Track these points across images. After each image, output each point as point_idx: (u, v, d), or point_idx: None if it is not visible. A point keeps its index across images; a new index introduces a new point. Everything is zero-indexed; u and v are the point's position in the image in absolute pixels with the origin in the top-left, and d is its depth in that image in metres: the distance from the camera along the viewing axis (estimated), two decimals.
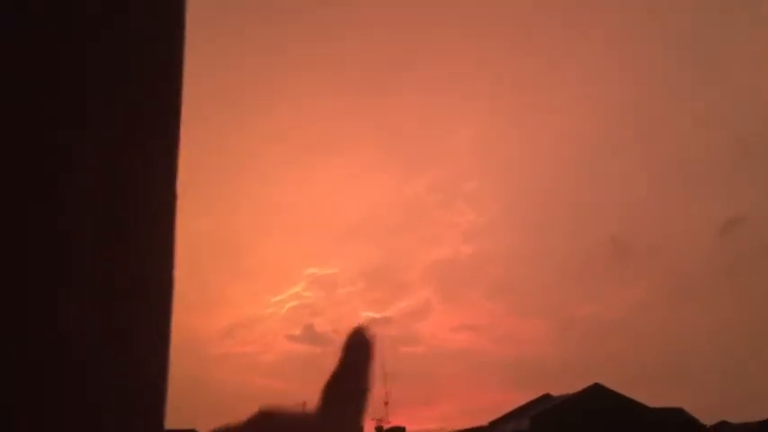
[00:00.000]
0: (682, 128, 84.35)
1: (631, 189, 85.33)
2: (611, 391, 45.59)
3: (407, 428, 58.49)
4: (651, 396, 48.80)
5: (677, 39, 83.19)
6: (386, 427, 56.90)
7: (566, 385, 50.98)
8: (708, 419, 51.09)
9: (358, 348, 0.62)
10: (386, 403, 57.41)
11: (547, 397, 51.69)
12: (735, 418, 53.63)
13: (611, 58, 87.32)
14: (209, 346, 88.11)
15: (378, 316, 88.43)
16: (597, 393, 45.39)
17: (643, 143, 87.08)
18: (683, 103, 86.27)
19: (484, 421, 54.86)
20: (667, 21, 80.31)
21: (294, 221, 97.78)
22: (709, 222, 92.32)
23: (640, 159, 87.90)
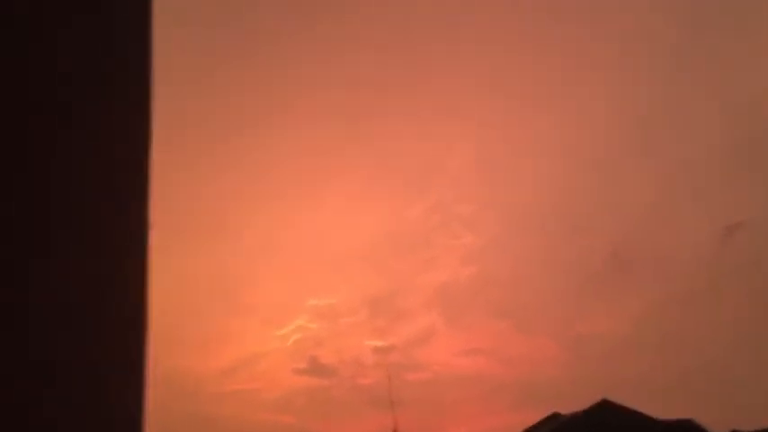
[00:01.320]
0: (681, 132, 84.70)
1: (631, 200, 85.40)
2: (620, 406, 45.22)
3: None
4: (661, 409, 48.43)
5: (677, 43, 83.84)
6: None
7: (575, 403, 50.53)
8: (719, 429, 50.70)
9: None
10: (395, 431, 56.93)
11: (556, 416, 51.26)
12: (746, 426, 53.20)
13: (608, 69, 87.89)
14: (212, 386, 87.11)
15: (381, 344, 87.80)
16: (605, 409, 45.01)
17: (642, 153, 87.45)
18: (682, 110, 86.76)
19: None
20: (665, 25, 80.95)
21: (291, 254, 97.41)
22: (711, 229, 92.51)
23: (639, 169, 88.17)
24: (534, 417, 53.89)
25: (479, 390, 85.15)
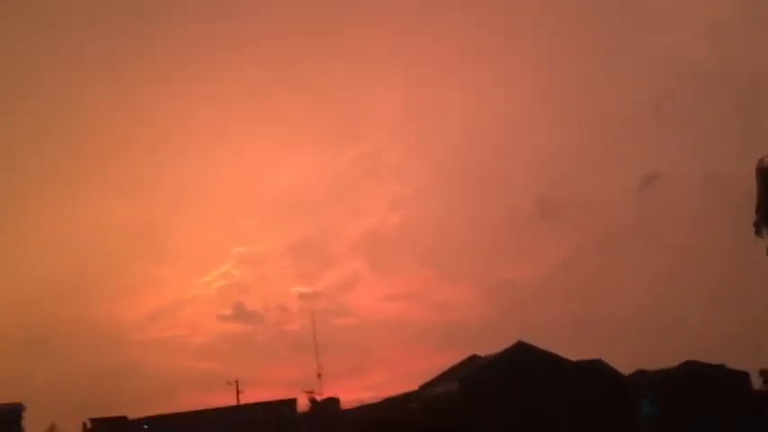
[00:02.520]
0: (600, 88, 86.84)
1: (554, 150, 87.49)
2: (534, 347, 47.26)
3: (341, 399, 59.35)
4: (573, 350, 50.93)
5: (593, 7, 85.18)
6: (319, 398, 57.39)
7: (495, 346, 52.61)
8: (625, 369, 53.83)
9: None
10: (319, 375, 57.73)
11: (474, 358, 53.26)
12: (650, 365, 56.64)
13: (532, 20, 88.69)
14: (135, 333, 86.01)
15: (307, 290, 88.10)
16: (521, 351, 46.98)
17: (563, 105, 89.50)
18: (600, 64, 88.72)
19: (415, 386, 56.27)
20: None
21: (216, 201, 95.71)
22: (629, 179, 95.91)
23: (562, 123, 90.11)
24: (455, 359, 56.01)
25: (403, 334, 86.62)
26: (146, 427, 53.60)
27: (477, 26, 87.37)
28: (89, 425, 53.83)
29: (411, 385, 57.01)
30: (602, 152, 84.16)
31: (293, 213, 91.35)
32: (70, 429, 55.92)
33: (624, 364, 52.81)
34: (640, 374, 55.22)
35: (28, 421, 51.05)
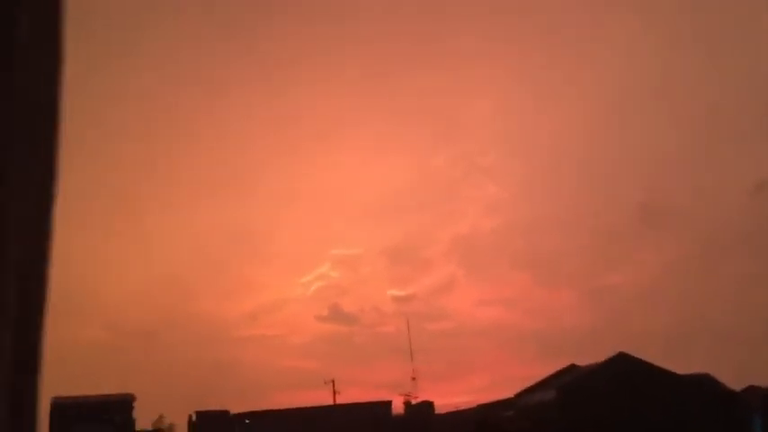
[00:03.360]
0: (709, 90, 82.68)
1: (659, 153, 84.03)
2: (637, 359, 45.57)
3: (435, 403, 59.35)
4: (678, 363, 48.87)
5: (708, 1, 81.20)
6: (414, 402, 57.64)
7: (593, 355, 51.15)
8: (736, 384, 51.08)
9: None
10: (413, 379, 58.04)
11: (573, 367, 51.90)
12: (763, 381, 53.51)
13: (636, 20, 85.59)
14: (238, 331, 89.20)
15: (402, 293, 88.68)
16: (622, 362, 45.40)
17: (669, 107, 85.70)
18: (709, 66, 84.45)
19: (511, 393, 55.46)
20: None
21: (315, 204, 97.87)
22: (739, 185, 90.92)
23: (667, 123, 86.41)
24: (552, 367, 54.73)
25: (498, 340, 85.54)
26: (247, 421, 55.47)
27: (576, 23, 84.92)
28: (194, 418, 56.24)
29: (507, 392, 56.32)
30: (712, 156, 79.93)
31: (388, 216, 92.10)
32: (177, 421, 58.70)
33: (735, 378, 50.16)
34: (752, 390, 52.36)
35: (138, 411, 53.89)
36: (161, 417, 58.76)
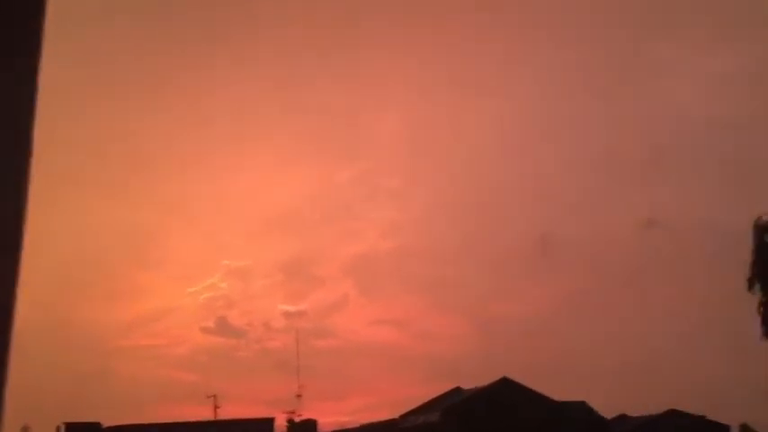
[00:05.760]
0: (603, 130, 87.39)
1: (557, 189, 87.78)
2: (519, 384, 47.07)
3: (319, 422, 58.74)
4: (558, 390, 50.76)
5: (597, 44, 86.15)
6: (297, 420, 56.79)
7: (478, 380, 52.29)
8: (608, 412, 53.63)
9: None
10: (299, 396, 57.23)
11: (457, 390, 52.93)
12: (633, 411, 56.48)
13: (536, 59, 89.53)
14: (116, 340, 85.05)
15: (293, 309, 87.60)
16: (505, 387, 46.78)
17: (565, 144, 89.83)
18: (604, 107, 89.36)
19: (396, 414, 55.72)
20: (588, 26, 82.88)
21: (210, 212, 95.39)
22: (628, 224, 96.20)
23: (566, 162, 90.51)
24: (438, 390, 55.62)
25: (387, 361, 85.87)
26: None
27: (484, 55, 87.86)
28: (63, 429, 53.07)
29: (392, 413, 56.49)
30: (604, 194, 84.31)
31: (285, 230, 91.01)
32: None
33: (607, 407, 52.67)
34: (622, 419, 55.07)
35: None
36: (25, 427, 55.05)
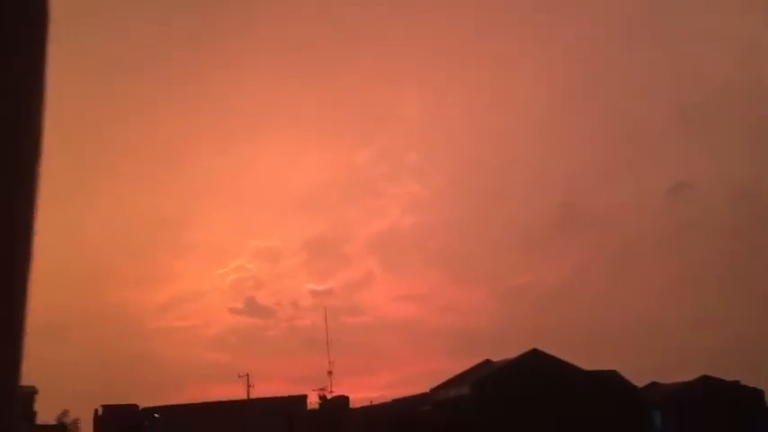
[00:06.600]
0: (628, 96, 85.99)
1: (579, 157, 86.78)
2: (549, 355, 46.96)
3: (350, 397, 59.29)
4: (587, 359, 50.70)
5: (625, 11, 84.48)
6: (329, 396, 57.40)
7: (506, 351, 52.26)
8: (639, 381, 53.38)
9: None
10: (329, 373, 57.76)
11: (487, 363, 52.96)
12: (664, 378, 56.16)
13: (559, 30, 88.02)
14: (150, 322, 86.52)
15: (320, 288, 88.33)
16: (535, 358, 46.71)
17: (589, 111, 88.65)
18: (629, 73, 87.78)
19: (426, 388, 56.04)
20: None
21: (237, 196, 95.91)
22: (655, 188, 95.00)
23: (587, 127, 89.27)
24: (466, 363, 55.71)
25: (414, 335, 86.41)
26: (156, 415, 53.85)
27: (504, 28, 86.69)
28: (101, 412, 54.16)
29: (421, 387, 56.89)
30: (629, 161, 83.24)
31: (310, 211, 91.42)
32: (83, 415, 56.35)
33: (638, 375, 52.44)
34: (654, 387, 54.78)
35: (40, 405, 51.42)
36: (65, 411, 56.32)
